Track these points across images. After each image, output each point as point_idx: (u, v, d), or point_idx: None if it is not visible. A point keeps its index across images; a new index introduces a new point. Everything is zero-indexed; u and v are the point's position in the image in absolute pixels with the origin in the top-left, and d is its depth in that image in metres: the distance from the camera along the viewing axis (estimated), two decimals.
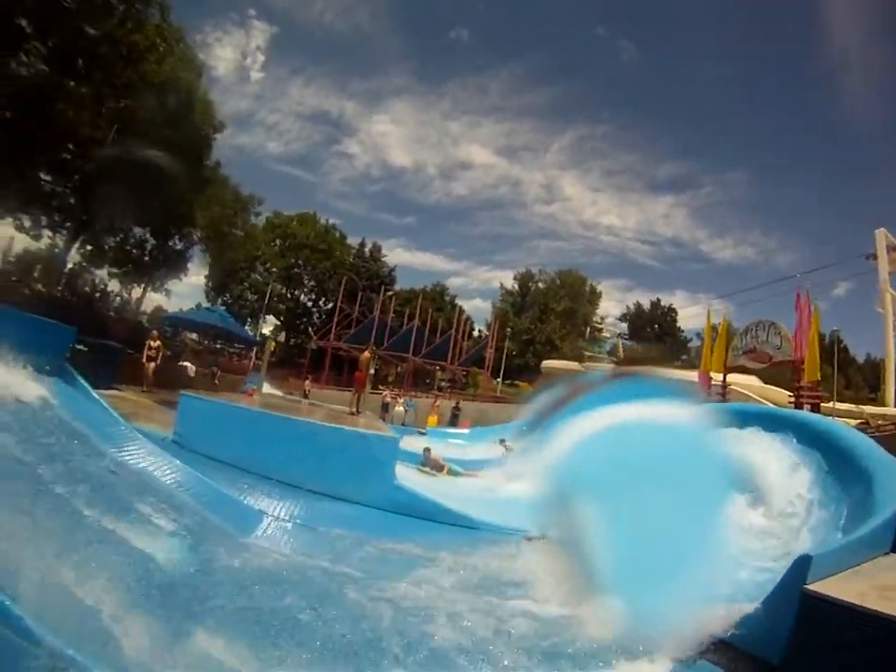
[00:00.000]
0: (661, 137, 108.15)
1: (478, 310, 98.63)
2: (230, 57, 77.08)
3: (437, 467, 12.31)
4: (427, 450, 12.74)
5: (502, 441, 17.14)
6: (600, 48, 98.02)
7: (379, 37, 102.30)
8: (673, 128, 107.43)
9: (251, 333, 46.41)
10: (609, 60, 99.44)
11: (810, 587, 3.60)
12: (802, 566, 3.70)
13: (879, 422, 21.79)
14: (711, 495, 4.86)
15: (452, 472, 12.51)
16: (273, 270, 60.14)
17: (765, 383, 29.98)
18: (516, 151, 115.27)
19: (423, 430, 21.74)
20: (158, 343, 16.72)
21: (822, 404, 20.93)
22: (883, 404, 31.73)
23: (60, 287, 32.54)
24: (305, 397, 25.13)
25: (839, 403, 29.18)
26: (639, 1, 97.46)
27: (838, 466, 6.95)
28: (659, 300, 73.76)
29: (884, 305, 31.93)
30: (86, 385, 8.51)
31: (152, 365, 16.12)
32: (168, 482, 6.05)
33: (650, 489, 4.60)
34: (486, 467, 14.14)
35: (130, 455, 6.44)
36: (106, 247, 34.47)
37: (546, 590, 5.12)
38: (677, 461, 4.89)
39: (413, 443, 16.34)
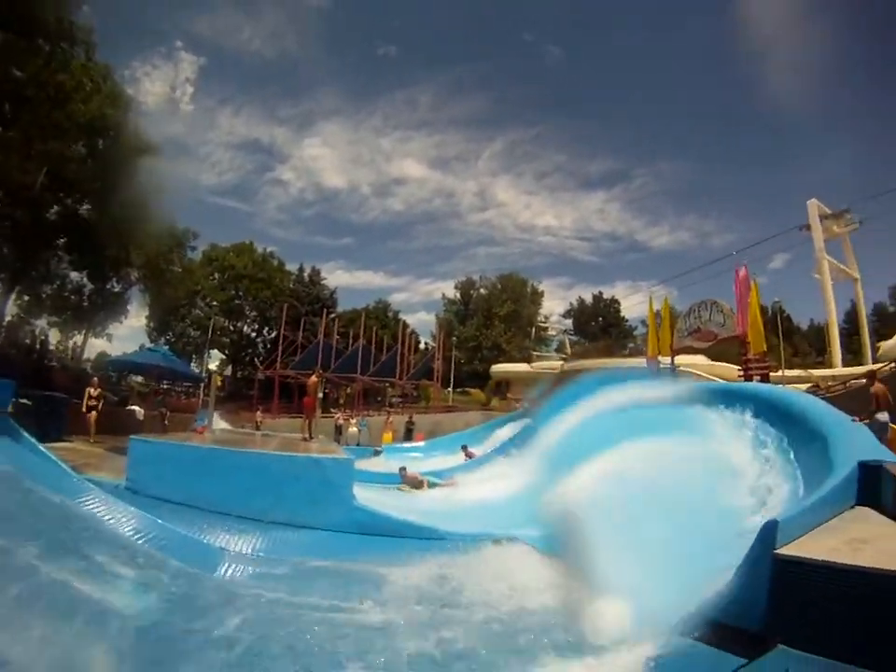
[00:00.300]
0: (590, 135, 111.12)
1: (423, 323, 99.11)
2: (158, 91, 75.81)
3: (415, 483, 12.47)
4: (402, 469, 12.93)
5: (464, 448, 17.39)
6: (526, 53, 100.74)
7: (306, 60, 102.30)
8: (601, 124, 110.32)
9: (197, 370, 45.57)
10: (535, 64, 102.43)
11: (781, 551, 3.63)
12: (770, 531, 3.73)
13: (829, 383, 22.77)
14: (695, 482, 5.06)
15: (431, 485, 12.67)
16: (214, 304, 59.46)
17: (714, 360, 30.73)
18: (448, 162, 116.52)
19: (378, 448, 21.72)
20: (98, 390, 16.13)
21: (771, 373, 21.60)
22: (830, 366, 32.94)
23: None
24: (258, 428, 24.84)
25: (788, 371, 29.90)
26: (561, 5, 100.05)
27: (792, 430, 7.20)
28: (601, 293, 75.86)
29: (821, 271, 33.40)
30: (31, 439, 8.36)
31: (94, 414, 15.53)
32: (125, 530, 5.96)
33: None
34: (454, 474, 14.48)
35: (83, 506, 6.35)
36: (44, 295, 33.69)
37: (516, 591, 5.27)
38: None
39: (378, 464, 16.54)
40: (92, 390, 15.88)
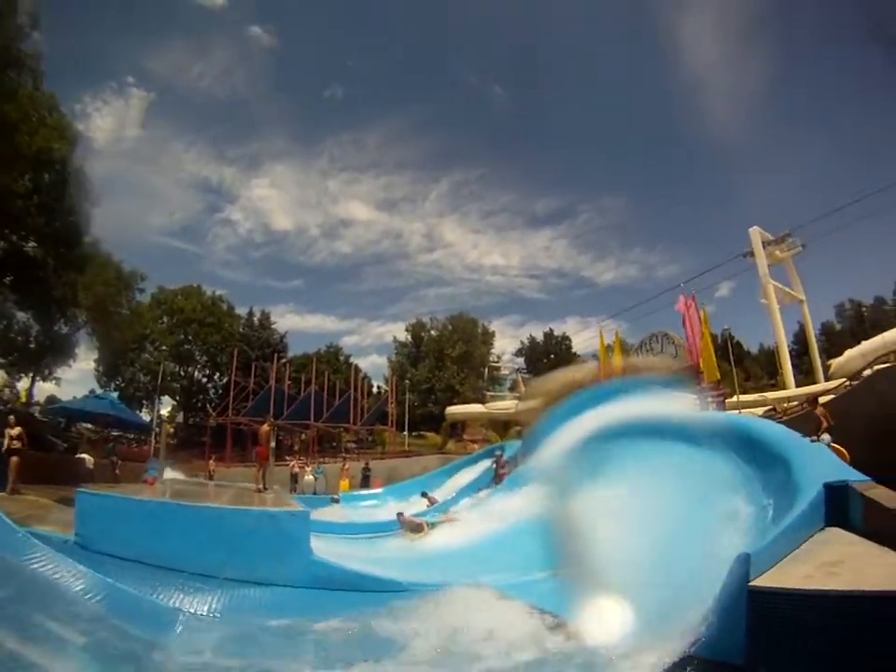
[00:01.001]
0: (534, 173, 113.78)
1: (375, 366, 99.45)
2: (108, 126, 75.18)
3: (414, 527, 12.35)
4: (399, 514, 12.92)
5: (424, 494, 17.27)
6: (472, 95, 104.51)
7: (255, 100, 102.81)
8: (545, 162, 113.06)
9: (147, 417, 44.49)
10: (480, 105, 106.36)
11: (756, 583, 3.62)
12: (742, 564, 3.71)
13: (785, 405, 23.01)
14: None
15: (430, 525, 12.50)
16: (163, 348, 58.26)
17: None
18: (396, 203, 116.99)
19: (336, 496, 21.34)
20: (18, 429, 13.86)
21: (727, 400, 21.93)
22: (783, 387, 33.56)
23: None
24: (210, 478, 24.32)
25: (743, 396, 30.17)
26: (505, 47, 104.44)
27: (754, 458, 7.17)
28: (552, 330, 77.38)
29: (767, 296, 34.53)
30: None
31: (15, 459, 13.26)
32: (73, 590, 5.65)
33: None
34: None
35: (27, 564, 6.04)
36: None
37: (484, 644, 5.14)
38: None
39: (336, 513, 16.30)
40: (11, 430, 13.82)
